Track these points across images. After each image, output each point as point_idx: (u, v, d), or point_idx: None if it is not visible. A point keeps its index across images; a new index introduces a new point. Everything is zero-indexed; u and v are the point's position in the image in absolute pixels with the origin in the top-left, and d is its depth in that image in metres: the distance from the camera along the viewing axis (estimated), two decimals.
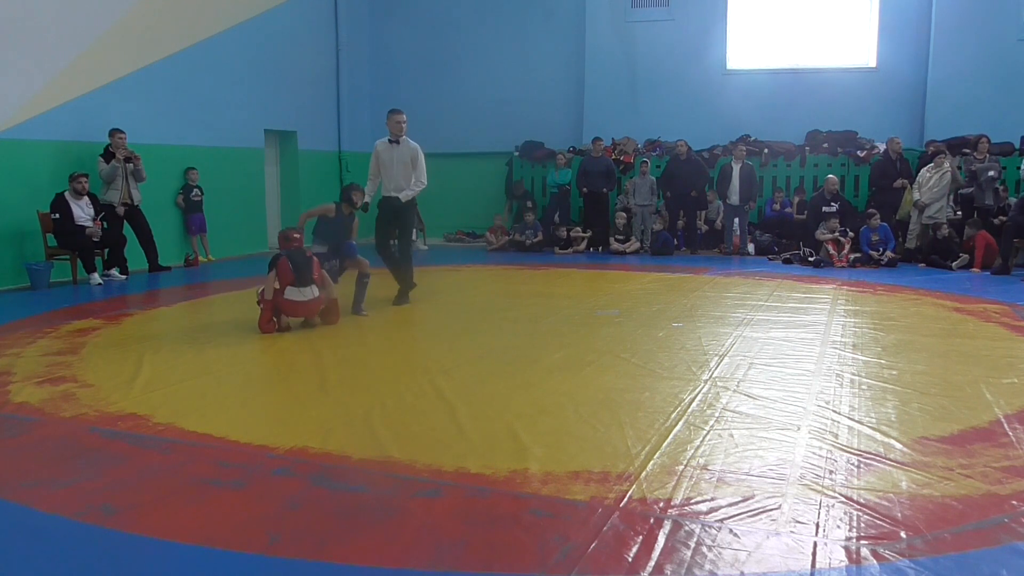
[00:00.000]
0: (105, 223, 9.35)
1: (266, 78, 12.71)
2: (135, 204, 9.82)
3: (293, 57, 13.35)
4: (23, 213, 8.98)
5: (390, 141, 7.45)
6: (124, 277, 9.52)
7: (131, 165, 9.66)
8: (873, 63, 13.09)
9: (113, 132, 9.56)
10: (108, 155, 9.56)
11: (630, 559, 2.61)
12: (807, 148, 12.97)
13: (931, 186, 10.87)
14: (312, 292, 6.32)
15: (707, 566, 2.57)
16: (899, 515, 2.93)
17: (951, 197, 11.13)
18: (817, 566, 2.57)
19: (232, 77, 11.98)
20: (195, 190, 11.14)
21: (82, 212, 9.11)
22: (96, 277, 9.07)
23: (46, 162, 9.30)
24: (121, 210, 9.60)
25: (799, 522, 2.87)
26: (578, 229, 12.88)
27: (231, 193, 12.02)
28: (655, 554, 2.64)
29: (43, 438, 3.87)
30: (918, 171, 11.30)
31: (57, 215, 8.87)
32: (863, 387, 4.66)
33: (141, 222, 9.97)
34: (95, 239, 9.13)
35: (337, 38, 14.53)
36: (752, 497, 3.08)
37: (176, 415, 4.15)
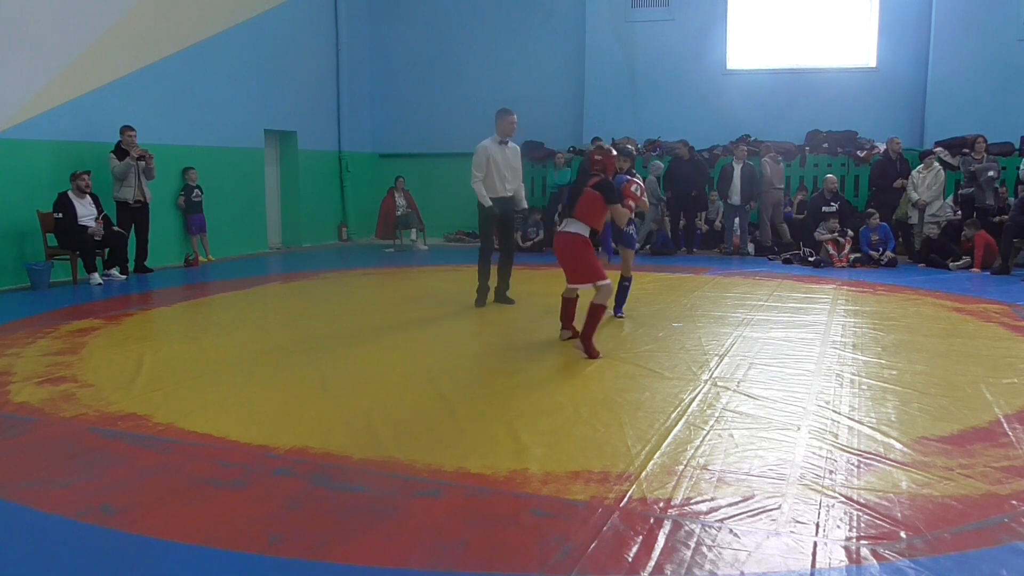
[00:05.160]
0: (111, 222, 9.37)
1: (266, 78, 12.71)
2: (146, 201, 9.88)
3: (293, 57, 13.35)
4: (23, 213, 8.98)
5: (500, 142, 7.70)
6: (124, 277, 9.52)
7: (143, 163, 9.69)
8: (873, 63, 13.09)
9: (124, 129, 9.57)
10: (120, 152, 9.56)
11: (630, 559, 2.61)
12: (807, 148, 12.96)
13: (928, 184, 10.99)
14: (564, 226, 5.80)
15: (707, 566, 2.57)
16: (899, 515, 2.93)
17: (952, 197, 11.16)
18: (817, 566, 2.57)
19: (232, 77, 11.98)
20: (195, 190, 11.14)
21: (85, 211, 9.12)
22: (96, 277, 9.07)
23: (46, 162, 9.30)
24: (126, 200, 9.61)
25: (799, 522, 2.87)
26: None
27: (231, 193, 12.03)
28: (655, 554, 2.64)
29: (43, 438, 3.87)
30: None
31: (60, 214, 8.86)
32: (863, 387, 4.66)
33: (144, 221, 10.00)
34: (97, 238, 9.13)
35: (337, 38, 14.53)
36: (752, 497, 3.08)
37: (176, 415, 4.15)
